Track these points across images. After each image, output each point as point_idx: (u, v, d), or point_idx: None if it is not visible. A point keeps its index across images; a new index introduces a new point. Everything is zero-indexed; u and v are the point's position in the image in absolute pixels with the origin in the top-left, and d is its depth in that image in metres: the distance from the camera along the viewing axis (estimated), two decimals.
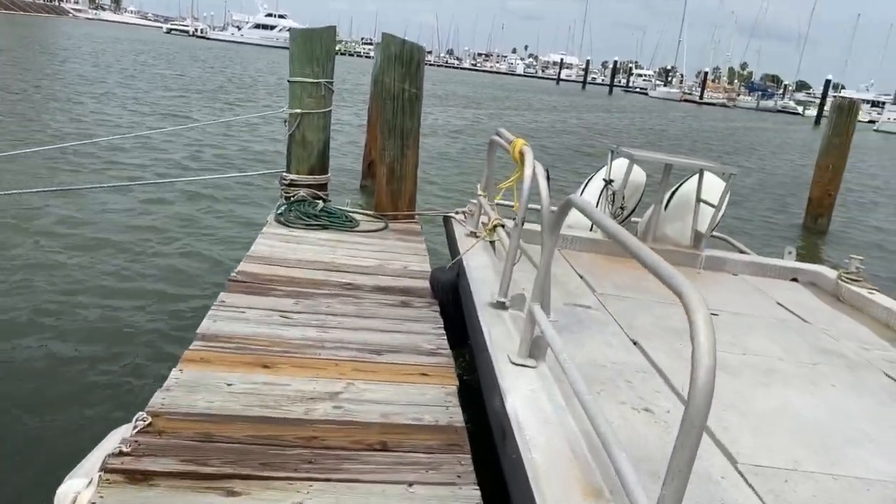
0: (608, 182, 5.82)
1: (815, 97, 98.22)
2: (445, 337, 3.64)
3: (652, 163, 5.66)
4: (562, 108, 41.51)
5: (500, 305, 3.56)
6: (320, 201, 5.76)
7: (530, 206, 3.87)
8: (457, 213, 5.44)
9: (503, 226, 4.07)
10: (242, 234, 7.25)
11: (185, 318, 5.05)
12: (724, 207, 5.71)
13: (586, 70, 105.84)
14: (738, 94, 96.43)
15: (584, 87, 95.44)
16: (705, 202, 5.92)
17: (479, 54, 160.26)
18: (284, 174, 5.87)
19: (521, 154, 3.72)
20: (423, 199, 8.16)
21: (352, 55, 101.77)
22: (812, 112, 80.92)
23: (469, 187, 11.94)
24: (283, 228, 5.27)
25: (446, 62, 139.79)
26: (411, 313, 3.92)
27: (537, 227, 4.90)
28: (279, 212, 5.54)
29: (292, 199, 5.73)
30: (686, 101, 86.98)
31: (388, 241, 5.38)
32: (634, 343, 3.79)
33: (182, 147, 12.30)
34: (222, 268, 5.96)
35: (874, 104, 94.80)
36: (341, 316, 3.76)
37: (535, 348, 2.91)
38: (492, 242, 4.57)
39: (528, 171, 3.49)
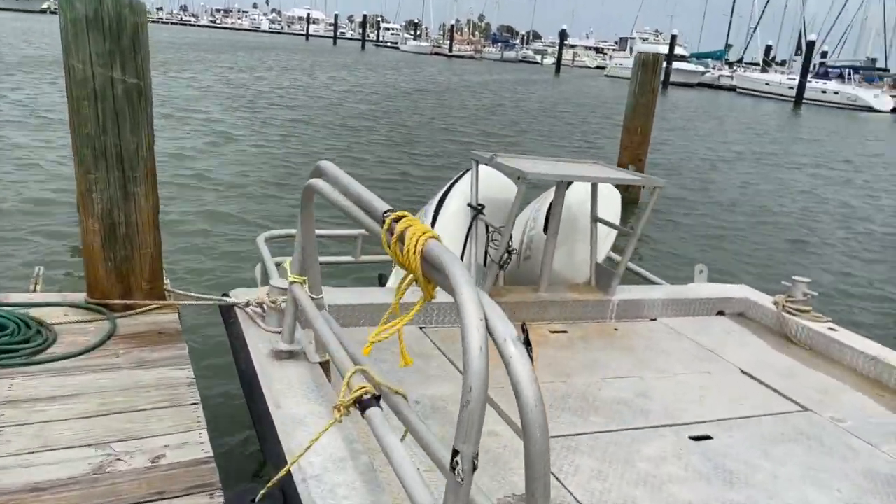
0: (478, 210, 3.76)
1: (546, 45, 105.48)
2: None
3: (544, 178, 3.69)
4: (318, 69, 38.66)
5: None
6: None
7: None
8: (247, 303, 3.02)
9: (377, 398, 1.78)
10: None
11: None
12: (639, 231, 3.99)
13: (335, 25, 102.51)
14: (484, 46, 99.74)
15: (335, 42, 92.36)
16: (604, 222, 4.16)
17: (218, 10, 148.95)
18: None
19: (428, 259, 1.49)
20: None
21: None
22: (549, 61, 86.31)
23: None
24: None
25: (181, 20, 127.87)
26: None
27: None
28: None
29: None
30: (437, 54, 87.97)
31: (117, 369, 2.83)
32: None
33: None
34: None
35: (597, 51, 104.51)
36: None
37: None
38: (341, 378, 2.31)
39: (471, 318, 1.29)
